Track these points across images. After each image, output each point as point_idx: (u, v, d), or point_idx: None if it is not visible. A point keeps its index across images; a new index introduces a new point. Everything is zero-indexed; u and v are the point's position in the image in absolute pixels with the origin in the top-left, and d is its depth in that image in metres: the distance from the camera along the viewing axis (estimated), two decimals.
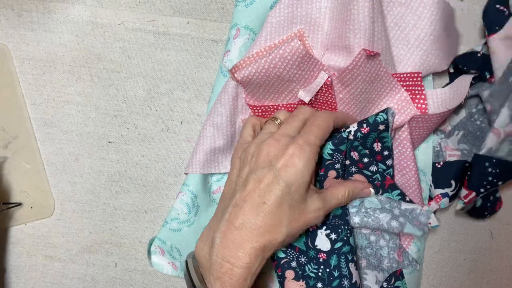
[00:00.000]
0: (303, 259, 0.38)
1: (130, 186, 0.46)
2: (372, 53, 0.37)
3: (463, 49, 0.43)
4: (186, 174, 0.44)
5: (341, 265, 0.38)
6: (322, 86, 0.40)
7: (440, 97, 0.41)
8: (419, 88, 0.41)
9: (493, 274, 0.46)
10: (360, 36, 0.37)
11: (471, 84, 0.41)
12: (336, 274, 0.38)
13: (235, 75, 0.39)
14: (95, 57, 0.45)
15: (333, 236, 0.38)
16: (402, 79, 0.40)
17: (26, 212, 0.46)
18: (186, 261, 0.36)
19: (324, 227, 0.39)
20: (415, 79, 0.40)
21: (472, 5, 0.43)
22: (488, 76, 0.42)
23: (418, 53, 0.40)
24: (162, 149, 0.46)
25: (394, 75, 0.40)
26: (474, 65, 0.42)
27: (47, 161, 0.46)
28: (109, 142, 0.46)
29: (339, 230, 0.38)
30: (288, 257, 0.38)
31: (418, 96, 0.41)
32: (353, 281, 0.37)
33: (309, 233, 0.39)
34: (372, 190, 0.40)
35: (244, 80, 0.39)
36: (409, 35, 0.40)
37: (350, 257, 0.38)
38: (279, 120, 0.40)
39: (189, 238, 0.44)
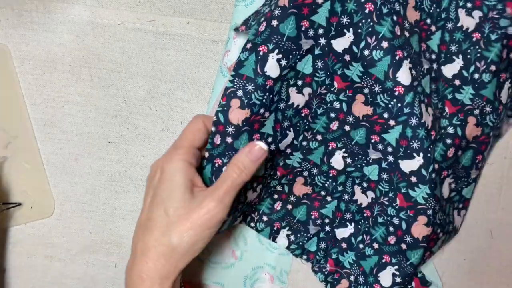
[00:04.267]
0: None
1: (130, 186, 0.46)
2: None
3: None
4: None
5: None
6: None
7: None
8: None
9: (493, 274, 0.46)
10: None
11: None
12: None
13: None
14: (95, 57, 0.45)
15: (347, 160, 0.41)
16: None
17: (26, 212, 0.46)
18: None
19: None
20: None
21: None
22: None
23: None
24: (162, 149, 0.46)
25: None
26: None
27: (47, 161, 0.46)
28: (109, 142, 0.46)
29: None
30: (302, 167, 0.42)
31: None
32: None
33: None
34: (259, 143, 0.34)
35: None
36: None
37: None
38: None
39: None
